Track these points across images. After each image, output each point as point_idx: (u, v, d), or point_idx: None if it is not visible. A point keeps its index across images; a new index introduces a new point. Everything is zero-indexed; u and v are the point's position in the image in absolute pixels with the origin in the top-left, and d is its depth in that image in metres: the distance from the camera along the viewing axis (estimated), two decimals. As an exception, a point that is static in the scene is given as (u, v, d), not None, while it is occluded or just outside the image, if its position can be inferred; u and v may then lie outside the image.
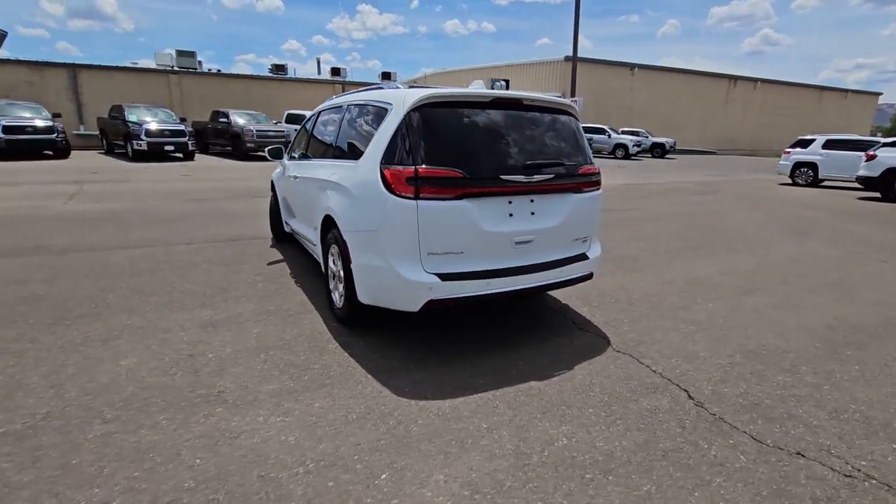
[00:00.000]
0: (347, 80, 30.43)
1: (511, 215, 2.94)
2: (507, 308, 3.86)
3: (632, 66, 31.93)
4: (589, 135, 23.72)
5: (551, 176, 3.02)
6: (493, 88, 4.86)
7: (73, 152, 16.03)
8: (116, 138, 16.22)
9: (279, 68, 31.91)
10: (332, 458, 2.08)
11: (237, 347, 3.09)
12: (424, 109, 2.76)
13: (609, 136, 24.35)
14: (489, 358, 3.03)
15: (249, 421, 2.33)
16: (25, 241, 5.52)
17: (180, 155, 16.25)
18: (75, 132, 18.48)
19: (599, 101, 29.92)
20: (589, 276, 3.42)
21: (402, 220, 2.69)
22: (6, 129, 13.74)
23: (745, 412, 2.50)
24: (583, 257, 3.33)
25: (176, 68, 23.79)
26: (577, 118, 3.40)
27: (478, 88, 3.23)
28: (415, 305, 2.77)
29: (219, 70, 28.36)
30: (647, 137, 26.58)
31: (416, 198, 2.66)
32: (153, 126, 14.89)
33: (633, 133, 26.08)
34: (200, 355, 2.97)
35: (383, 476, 1.98)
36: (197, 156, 17.25)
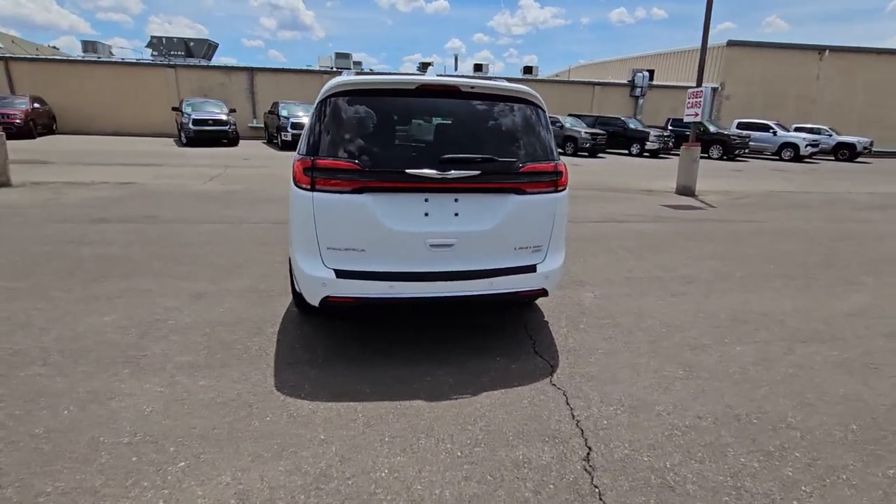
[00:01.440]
0: (489, 74, 30.72)
1: (427, 214, 2.65)
2: (473, 315, 3.52)
3: (820, 48, 25.89)
4: (746, 132, 20.02)
5: (476, 173, 2.62)
6: (436, 75, 4.46)
7: (243, 142, 19.26)
8: (273, 130, 18.99)
9: (425, 66, 33.78)
10: (159, 436, 2.15)
11: (196, 319, 3.39)
12: (336, 99, 2.64)
13: (775, 133, 20.23)
14: (405, 367, 2.80)
15: (136, 387, 2.54)
16: (147, 211, 6.81)
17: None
18: (249, 125, 22.09)
19: (770, 91, 25.14)
20: (540, 293, 2.91)
21: (302, 212, 2.62)
22: (195, 122, 17.12)
23: (641, 494, 1.88)
24: (528, 269, 2.84)
25: (334, 69, 26.77)
26: (540, 107, 2.90)
27: (430, 76, 2.97)
28: (314, 300, 2.70)
29: (371, 70, 31.14)
30: (829, 136, 21.42)
31: (312, 189, 2.57)
32: (298, 120, 17.04)
33: (810, 130, 21.28)
34: (163, 322, 3.33)
35: (181, 464, 1.98)
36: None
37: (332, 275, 2.63)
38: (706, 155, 19.49)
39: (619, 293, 4.16)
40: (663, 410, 2.45)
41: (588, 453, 2.11)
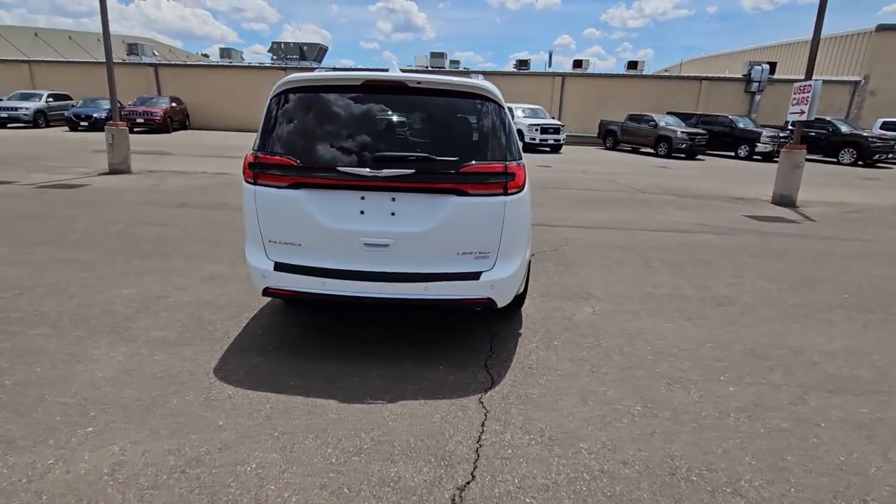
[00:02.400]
0: (588, 71, 29.31)
1: (363, 213, 2.59)
2: (452, 320, 3.38)
3: None
4: (893, 133, 16.67)
5: (409, 172, 2.50)
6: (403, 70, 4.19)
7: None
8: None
9: (522, 63, 33.21)
10: (91, 400, 2.38)
11: (193, 299, 3.70)
12: (284, 95, 2.68)
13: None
14: (344, 365, 2.79)
15: (104, 354, 2.84)
16: (221, 199, 7.61)
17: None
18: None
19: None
20: (485, 303, 2.69)
21: (248, 205, 2.71)
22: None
23: (496, 538, 1.66)
24: (471, 276, 2.64)
25: (429, 68, 27.45)
26: (495, 103, 2.68)
27: (392, 73, 2.89)
28: (258, 289, 2.78)
29: (466, 69, 31.38)
30: None
31: (255, 183, 2.65)
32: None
33: None
34: (164, 299, 3.68)
35: (90, 429, 2.17)
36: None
37: (272, 267, 2.70)
38: (834, 160, 16.67)
39: (624, 310, 3.72)
40: (587, 449, 2.14)
41: (467, 483, 1.91)
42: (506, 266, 2.71)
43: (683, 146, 16.59)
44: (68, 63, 26.83)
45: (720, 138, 17.70)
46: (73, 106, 21.90)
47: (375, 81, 2.63)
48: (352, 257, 2.63)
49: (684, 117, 18.99)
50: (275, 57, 32.21)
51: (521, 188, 2.67)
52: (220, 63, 26.34)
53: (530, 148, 17.93)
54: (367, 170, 2.50)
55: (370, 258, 2.62)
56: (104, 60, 10.09)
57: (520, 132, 17.76)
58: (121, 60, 24.10)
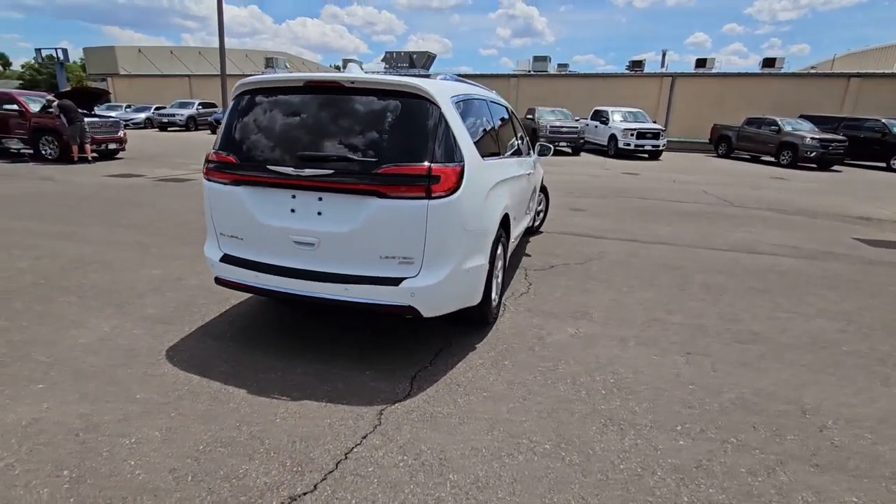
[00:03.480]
0: (706, 71, 26.50)
1: (293, 211, 2.63)
2: (418, 327, 3.29)
3: None
4: None
5: (330, 172, 2.46)
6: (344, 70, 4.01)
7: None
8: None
9: (636, 64, 31.13)
10: (55, 361, 2.74)
11: (201, 282, 4.07)
12: (240, 96, 2.82)
13: None
14: (281, 359, 2.86)
15: (98, 324, 3.25)
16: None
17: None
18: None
19: None
20: (407, 311, 2.55)
21: (204, 199, 2.91)
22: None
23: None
24: (390, 282, 2.53)
25: (531, 72, 27.03)
26: (432, 103, 2.53)
27: (352, 72, 2.89)
28: (214, 277, 2.97)
29: (573, 72, 30.28)
30: None
31: (208, 179, 2.83)
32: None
33: None
34: (179, 281, 4.11)
35: (39, 386, 2.50)
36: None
37: (220, 258, 2.87)
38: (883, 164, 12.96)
39: (613, 336, 3.28)
40: (453, 483, 1.92)
41: (304, 493, 1.84)
42: (431, 274, 2.56)
43: (812, 154, 14.10)
44: (216, 76, 31.38)
45: (867, 146, 14.75)
46: (215, 112, 25.59)
47: (314, 82, 2.66)
48: (283, 254, 2.70)
49: (822, 121, 16.17)
50: (387, 66, 34.29)
51: (449, 192, 2.50)
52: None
53: (626, 154, 16.72)
54: (292, 169, 2.54)
55: (298, 256, 2.66)
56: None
57: (612, 137, 16.68)
58: (249, 73, 27.50)
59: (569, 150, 17.99)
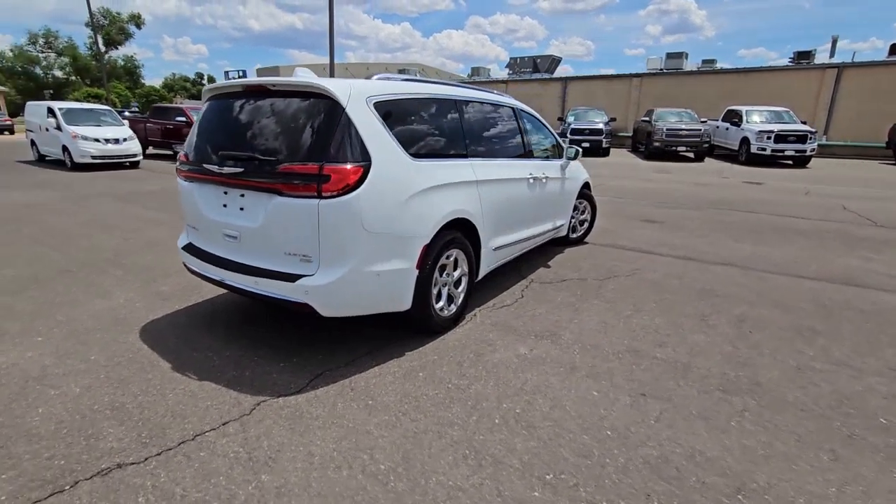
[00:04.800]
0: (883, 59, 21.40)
1: (225, 206, 2.83)
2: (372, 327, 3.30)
3: None
4: None
5: (240, 170, 2.59)
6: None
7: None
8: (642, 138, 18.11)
9: (802, 56, 26.44)
10: (64, 320, 3.34)
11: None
12: (206, 101, 3.11)
13: None
14: (230, 343, 3.10)
15: (118, 296, 3.86)
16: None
17: (602, 149, 17.67)
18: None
19: None
20: (304, 308, 2.56)
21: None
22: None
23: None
24: (288, 278, 2.56)
25: (663, 70, 24.64)
26: (337, 103, 2.50)
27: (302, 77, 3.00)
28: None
29: (714, 67, 26.85)
30: None
31: (178, 175, 3.18)
32: (576, 126, 16.98)
33: None
34: (161, 266, 4.68)
35: (34, 340, 3.08)
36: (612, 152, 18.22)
37: (183, 245, 3.22)
38: None
39: (563, 362, 2.88)
40: (262, 482, 1.89)
41: (132, 463, 1.98)
42: (328, 274, 2.54)
43: None
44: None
45: None
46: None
47: (250, 86, 2.83)
48: (218, 245, 2.93)
49: None
50: (511, 71, 34.32)
51: (342, 191, 2.46)
52: (441, 81, 29.88)
53: (763, 160, 14.32)
54: (216, 167, 2.75)
55: (227, 247, 2.86)
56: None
57: (744, 141, 14.47)
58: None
59: (690, 156, 16.04)
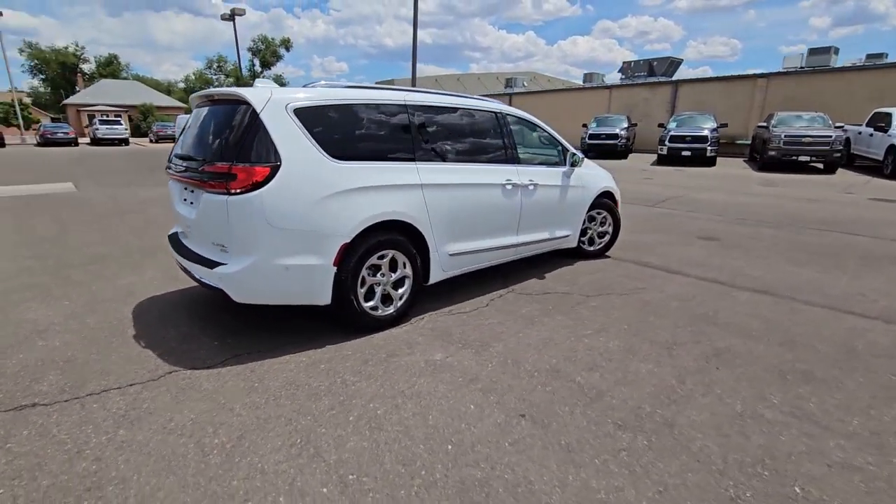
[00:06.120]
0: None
1: (184, 200, 3.24)
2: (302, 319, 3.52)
3: None
4: None
5: (184, 168, 2.95)
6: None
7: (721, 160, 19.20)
8: (669, 143, 17.82)
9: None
10: (84, 293, 4.08)
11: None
12: (193, 109, 3.58)
13: None
14: (200, 323, 3.54)
15: (137, 276, 4.59)
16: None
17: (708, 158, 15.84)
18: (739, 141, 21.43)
19: None
20: (221, 293, 2.82)
21: (174, 189, 3.82)
22: (591, 136, 18.71)
23: None
24: (210, 264, 2.86)
25: (804, 67, 21.24)
26: (252, 108, 2.74)
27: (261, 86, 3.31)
28: None
29: (885, 62, 22.38)
30: None
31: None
32: (676, 133, 15.41)
33: None
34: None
35: (62, 304, 3.82)
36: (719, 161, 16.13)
37: (168, 234, 3.73)
38: None
39: (468, 373, 2.76)
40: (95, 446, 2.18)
41: (36, 405, 2.41)
42: (237, 263, 2.80)
43: None
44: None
45: None
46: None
47: (202, 97, 3.23)
48: (183, 235, 3.37)
49: None
50: (623, 76, 32.41)
51: (248, 189, 2.68)
52: (554, 88, 29.02)
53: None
54: (173, 167, 3.17)
55: (186, 237, 3.29)
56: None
57: (891, 149, 11.96)
58: (485, 93, 30.13)
59: (818, 166, 13.63)
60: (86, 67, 58.22)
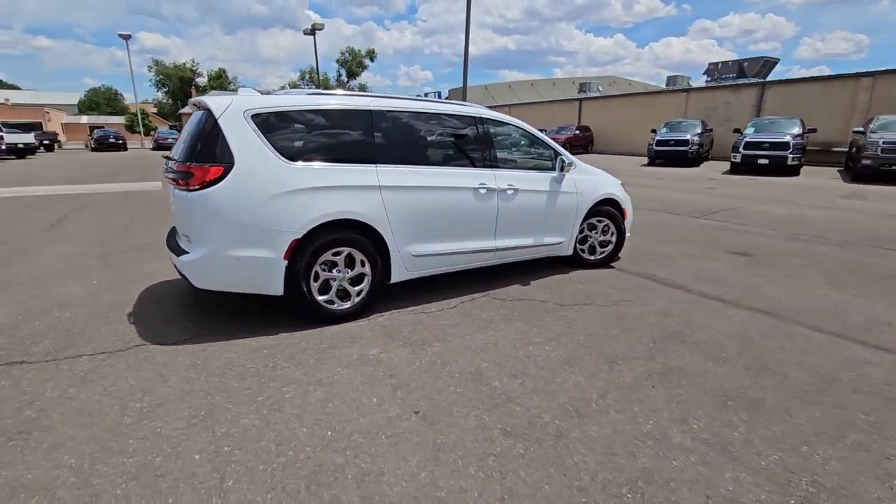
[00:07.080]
0: None
1: (172, 197, 3.65)
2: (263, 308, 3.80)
3: None
4: None
5: (171, 168, 3.33)
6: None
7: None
8: (744, 150, 16.25)
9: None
10: (108, 276, 4.69)
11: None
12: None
13: None
14: (187, 310, 3.97)
15: (153, 265, 5.16)
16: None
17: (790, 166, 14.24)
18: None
19: None
20: (186, 279, 3.17)
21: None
22: (658, 143, 17.63)
23: None
24: (180, 252, 3.22)
25: (881, 69, 18.34)
26: (211, 114, 3.07)
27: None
28: None
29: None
30: None
31: (175, 173, 4.18)
32: (752, 139, 14.02)
33: None
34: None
35: (93, 282, 4.45)
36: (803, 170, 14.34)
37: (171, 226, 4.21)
38: None
39: (394, 370, 2.83)
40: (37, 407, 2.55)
41: (24, 362, 2.87)
42: (195, 252, 3.14)
43: None
44: (536, 104, 35.05)
45: None
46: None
47: (197, 104, 3.60)
48: (176, 230, 3.80)
49: None
50: (709, 78, 30.15)
51: (203, 186, 2.99)
52: (622, 93, 27.59)
53: None
54: (165, 165, 3.59)
55: (176, 231, 3.70)
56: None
57: None
58: (560, 98, 29.42)
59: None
60: (200, 81, 65.68)
